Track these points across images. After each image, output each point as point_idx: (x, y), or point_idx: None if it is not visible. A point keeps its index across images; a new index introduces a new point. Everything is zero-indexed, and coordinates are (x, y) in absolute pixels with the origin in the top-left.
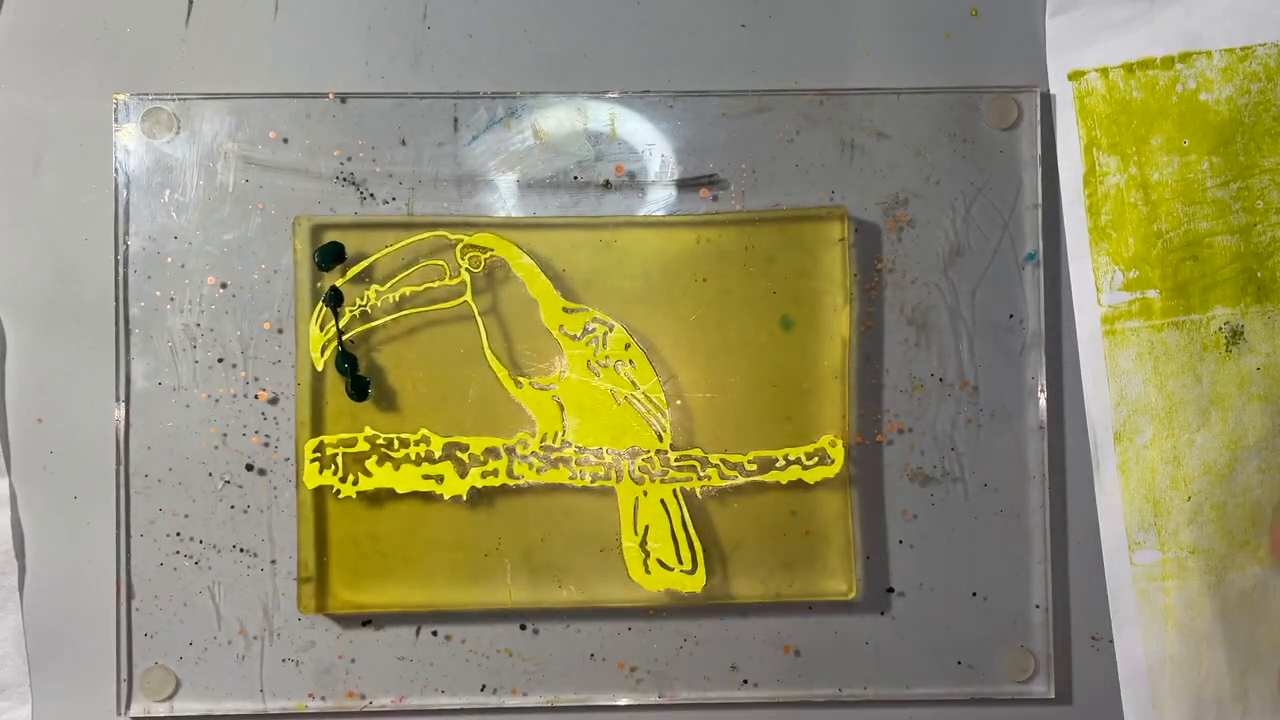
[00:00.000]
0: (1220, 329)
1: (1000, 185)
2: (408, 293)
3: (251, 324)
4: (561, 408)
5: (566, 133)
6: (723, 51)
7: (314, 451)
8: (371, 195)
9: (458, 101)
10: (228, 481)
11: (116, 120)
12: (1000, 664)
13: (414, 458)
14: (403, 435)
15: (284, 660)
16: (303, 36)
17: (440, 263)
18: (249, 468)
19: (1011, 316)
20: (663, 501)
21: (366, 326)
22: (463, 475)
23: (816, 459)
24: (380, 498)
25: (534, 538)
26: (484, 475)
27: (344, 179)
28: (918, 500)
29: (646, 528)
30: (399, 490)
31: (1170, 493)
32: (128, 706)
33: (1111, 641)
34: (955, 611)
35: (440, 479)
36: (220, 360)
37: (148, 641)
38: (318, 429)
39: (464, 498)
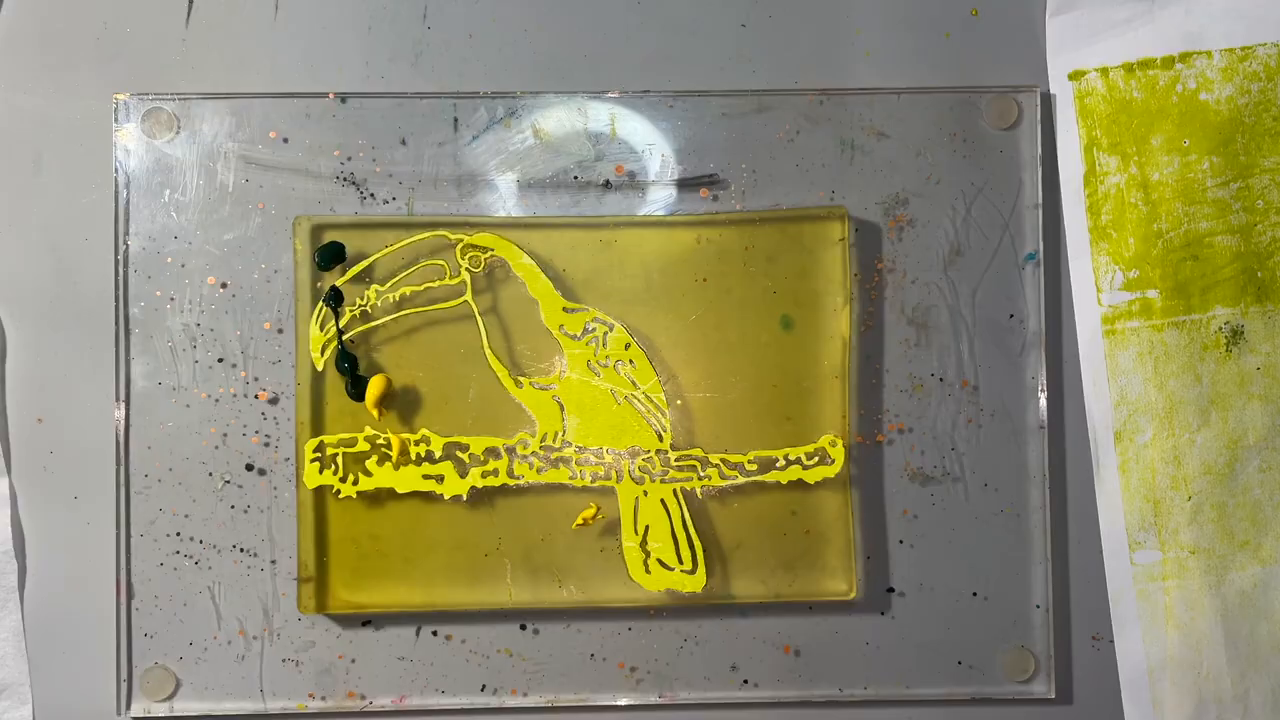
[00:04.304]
0: (1220, 329)
1: (1000, 185)
2: (408, 293)
3: (251, 324)
4: (562, 407)
5: (567, 133)
6: (723, 51)
7: (314, 451)
8: (372, 195)
9: (458, 101)
10: (228, 481)
11: (117, 120)
12: (1000, 664)
13: (414, 457)
14: (403, 435)
15: (284, 660)
16: (303, 36)
17: (440, 262)
18: (249, 468)
19: (1012, 316)
20: (663, 501)
21: (366, 326)
22: (463, 475)
23: (817, 459)
24: (380, 498)
25: (534, 538)
26: (484, 475)
27: (344, 179)
28: (918, 500)
29: (647, 528)
30: (399, 490)
31: (1171, 493)
32: (128, 706)
33: (1112, 641)
34: (955, 611)
35: (440, 479)
36: (220, 360)
37: (148, 641)
38: (318, 429)
39: (464, 498)
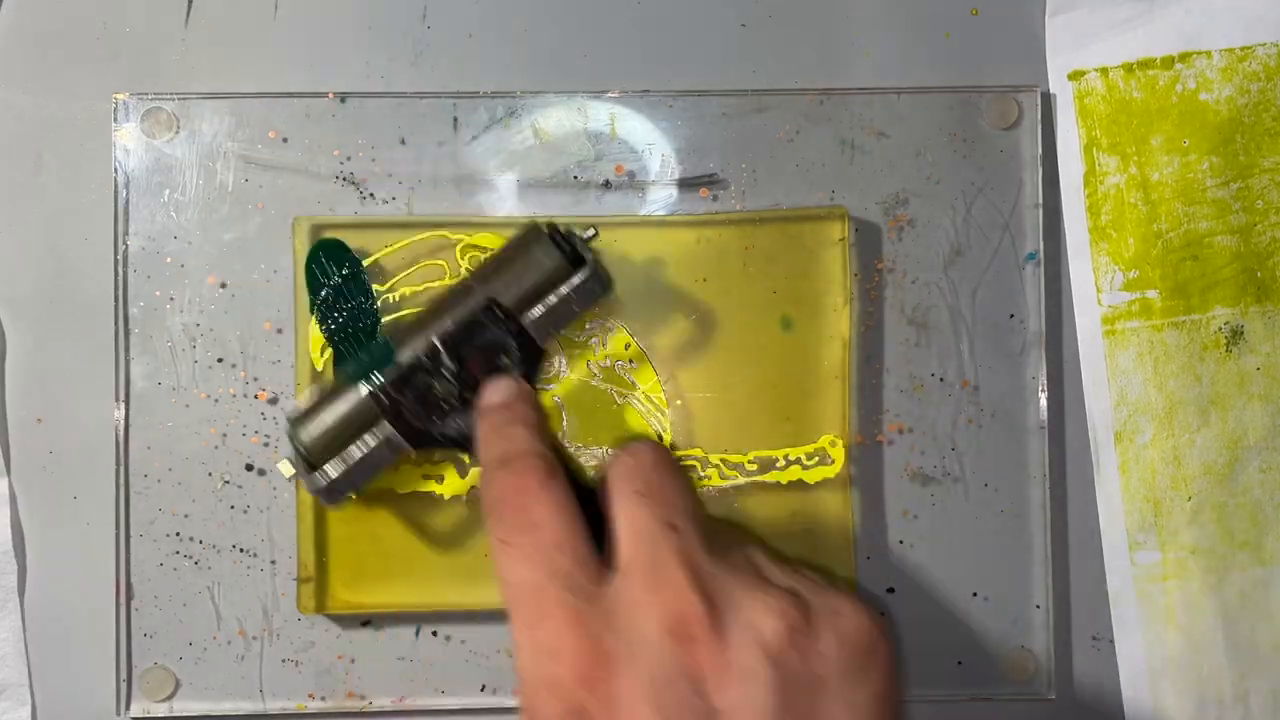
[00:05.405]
0: (1220, 329)
1: (1000, 185)
2: (408, 293)
3: (251, 324)
4: (561, 407)
5: (566, 132)
6: (723, 51)
7: None
8: (371, 195)
9: (458, 101)
10: (227, 481)
11: (116, 120)
12: (1000, 664)
13: (414, 457)
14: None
15: (284, 661)
16: (302, 36)
17: (440, 263)
18: (249, 468)
19: (1012, 316)
20: None
21: None
22: (463, 475)
23: (817, 459)
24: (380, 498)
25: None
26: None
27: (344, 178)
28: (918, 500)
29: None
30: (399, 490)
31: (1171, 493)
32: (127, 707)
33: (1112, 642)
34: (955, 611)
35: (440, 479)
36: (220, 360)
37: (147, 641)
38: None
39: (464, 498)
